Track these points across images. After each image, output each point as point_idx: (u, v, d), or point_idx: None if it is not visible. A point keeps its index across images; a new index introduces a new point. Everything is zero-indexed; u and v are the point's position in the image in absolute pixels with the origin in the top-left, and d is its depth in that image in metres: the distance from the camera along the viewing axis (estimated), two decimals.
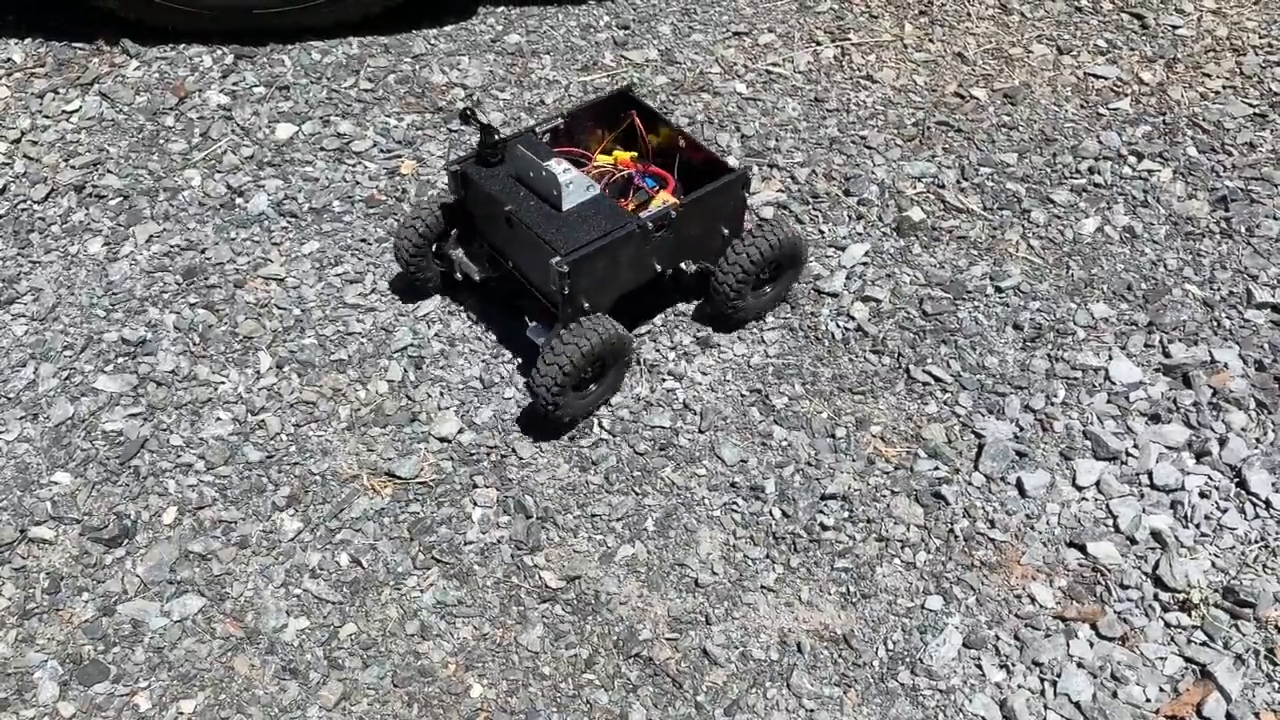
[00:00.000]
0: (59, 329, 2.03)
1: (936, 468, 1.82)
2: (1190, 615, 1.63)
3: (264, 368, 1.96)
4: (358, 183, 2.29)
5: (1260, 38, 2.58)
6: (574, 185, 1.80)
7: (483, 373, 1.95)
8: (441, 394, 1.92)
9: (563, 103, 2.47)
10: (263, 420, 1.88)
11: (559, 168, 1.80)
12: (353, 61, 2.57)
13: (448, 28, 2.66)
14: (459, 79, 2.52)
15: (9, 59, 2.58)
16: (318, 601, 1.67)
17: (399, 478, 1.81)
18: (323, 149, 2.36)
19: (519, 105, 2.46)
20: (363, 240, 2.17)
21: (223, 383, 1.94)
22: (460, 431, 1.87)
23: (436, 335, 2.01)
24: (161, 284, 2.11)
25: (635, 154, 2.01)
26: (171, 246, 2.17)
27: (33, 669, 1.59)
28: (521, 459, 1.83)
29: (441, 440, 1.86)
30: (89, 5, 2.54)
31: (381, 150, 2.36)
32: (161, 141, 2.39)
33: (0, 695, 1.56)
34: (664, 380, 1.94)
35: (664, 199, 1.94)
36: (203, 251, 2.16)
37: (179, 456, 1.84)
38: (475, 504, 1.78)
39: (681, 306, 2.05)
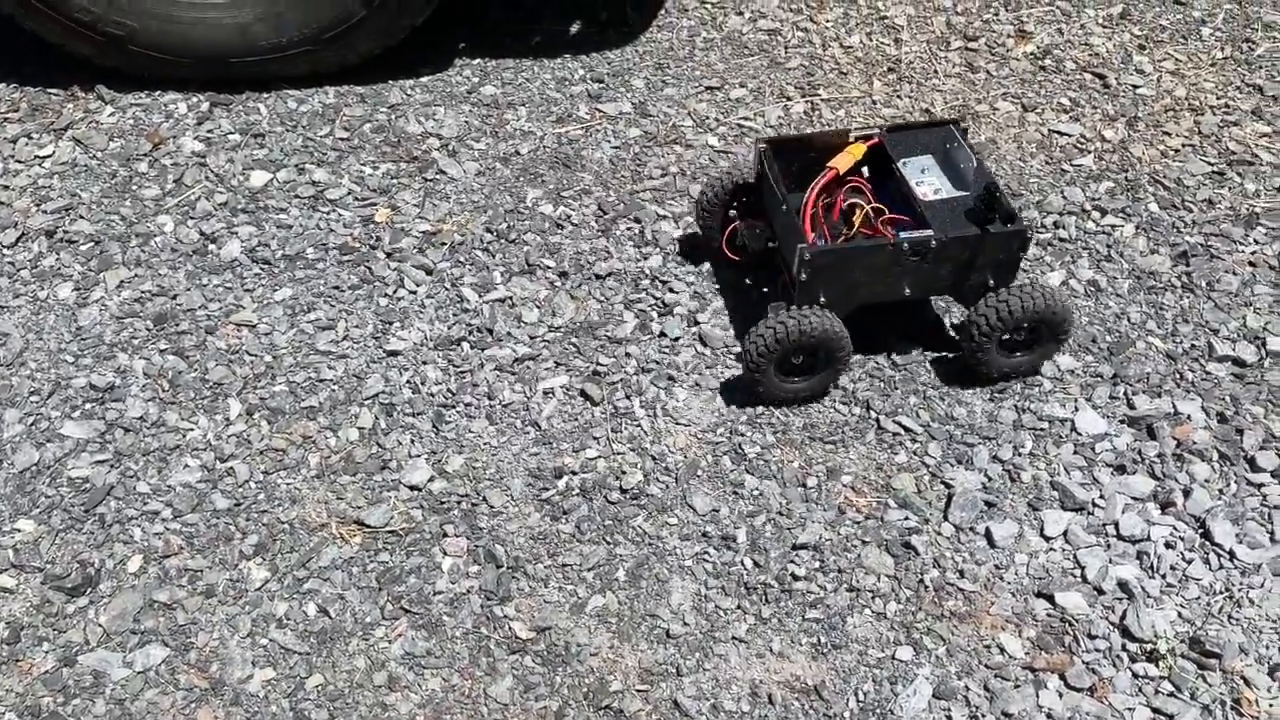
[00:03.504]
0: (26, 374, 2.01)
1: (907, 517, 1.83)
2: (1157, 666, 1.64)
3: (234, 414, 1.95)
4: (332, 230, 2.30)
5: (1217, 98, 2.66)
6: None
7: (442, 422, 1.95)
8: (413, 441, 1.91)
9: (538, 152, 2.50)
10: (231, 467, 1.87)
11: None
12: (329, 110, 2.59)
13: (424, 78, 2.69)
14: (434, 129, 2.55)
15: None
16: (284, 652, 1.65)
17: (368, 526, 1.80)
18: (297, 196, 2.37)
19: (494, 155, 2.49)
20: (335, 287, 2.18)
21: (192, 429, 1.93)
22: (431, 480, 1.86)
23: (409, 382, 2.00)
24: (131, 330, 2.09)
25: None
26: (142, 292, 2.16)
27: None
28: (492, 507, 1.83)
29: (412, 488, 1.85)
30: (65, 52, 2.55)
31: (356, 198, 2.37)
32: (134, 187, 2.39)
33: None
34: (637, 427, 1.95)
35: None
36: (174, 297, 2.15)
37: (145, 504, 1.82)
38: (445, 553, 1.77)
39: (652, 354, 2.06)
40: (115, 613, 1.68)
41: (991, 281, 1.93)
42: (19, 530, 1.78)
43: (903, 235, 1.88)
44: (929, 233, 1.88)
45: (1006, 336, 1.92)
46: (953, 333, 2.03)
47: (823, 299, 1.89)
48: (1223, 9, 2.93)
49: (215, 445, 1.90)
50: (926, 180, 2.02)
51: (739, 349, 2.07)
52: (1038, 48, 2.81)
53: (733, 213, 2.15)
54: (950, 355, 2.06)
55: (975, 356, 1.95)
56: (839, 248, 1.89)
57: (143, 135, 2.51)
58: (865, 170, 2.03)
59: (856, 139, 2.05)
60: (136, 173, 2.43)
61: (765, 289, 2.16)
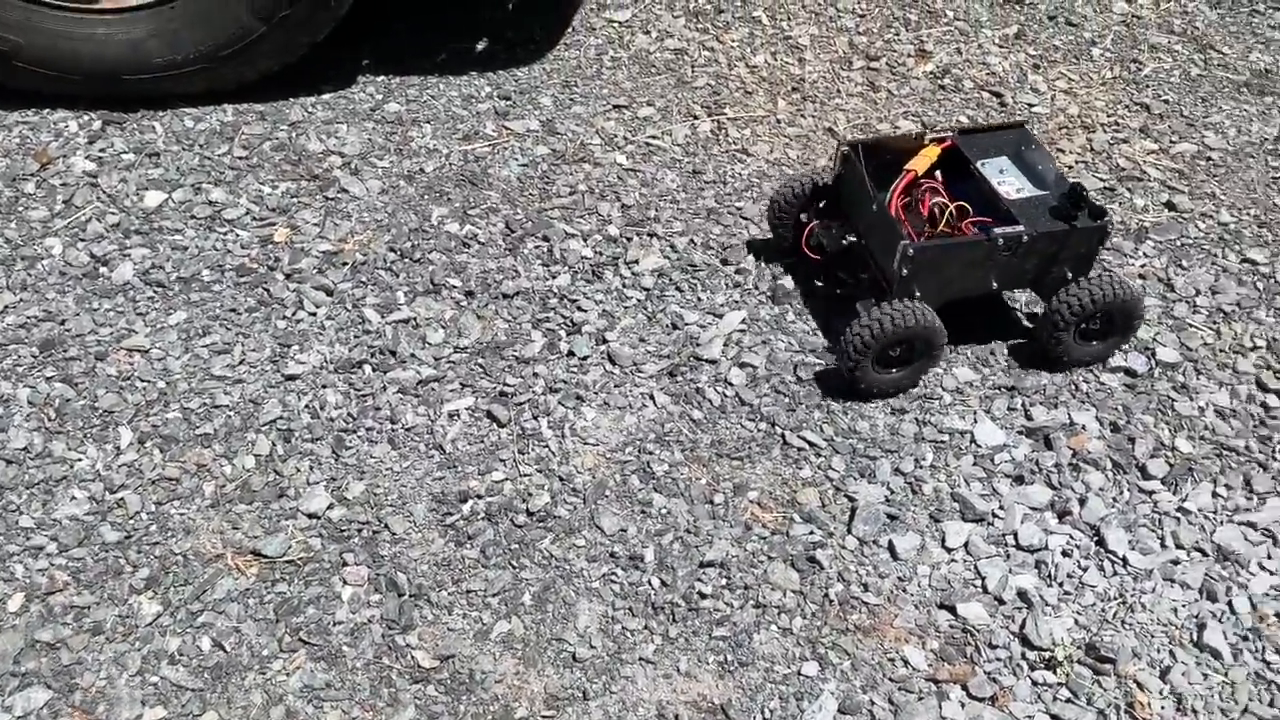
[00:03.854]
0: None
1: (812, 532, 1.84)
2: (1055, 673, 1.67)
3: (124, 443, 1.88)
4: (229, 251, 2.24)
5: (1108, 116, 2.74)
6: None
7: (342, 448, 1.91)
8: (311, 468, 1.87)
9: (443, 170, 2.47)
10: (122, 499, 1.80)
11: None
12: (227, 128, 2.53)
13: (326, 95, 2.65)
14: (336, 146, 2.50)
15: None
16: (176, 689, 1.59)
17: (265, 556, 1.75)
18: (193, 217, 2.31)
19: (398, 173, 2.46)
20: (232, 310, 2.12)
21: (80, 459, 1.86)
22: (330, 507, 1.82)
23: (307, 407, 1.96)
24: (16, 357, 2.01)
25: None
26: (28, 318, 2.08)
27: None
28: (394, 534, 1.79)
29: (311, 516, 1.80)
30: None
31: (254, 218, 2.32)
32: (21, 209, 2.30)
33: None
34: (545, 448, 1.93)
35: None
36: (62, 323, 2.07)
37: (28, 539, 1.74)
38: (345, 582, 1.73)
39: (560, 374, 2.04)
40: None
41: (1069, 274, 2.03)
42: None
43: (996, 231, 1.97)
44: (1020, 228, 1.98)
45: (1083, 325, 2.03)
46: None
47: (918, 293, 1.98)
48: (1112, 30, 3.03)
49: (105, 476, 1.84)
50: (1007, 180, 2.12)
51: (649, 367, 2.07)
52: (937, 67, 2.88)
53: (803, 216, 2.23)
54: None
55: (1054, 346, 2.05)
56: (939, 244, 1.98)
57: (30, 154, 2.42)
58: (938, 173, 2.12)
59: (931, 141, 2.14)
60: (23, 193, 2.34)
61: (839, 290, 2.23)
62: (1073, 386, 2.09)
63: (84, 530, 1.76)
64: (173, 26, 2.44)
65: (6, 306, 2.10)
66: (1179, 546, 1.84)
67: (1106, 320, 2.04)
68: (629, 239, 2.35)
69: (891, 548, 1.82)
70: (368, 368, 2.04)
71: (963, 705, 1.63)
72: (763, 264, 2.30)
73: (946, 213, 2.02)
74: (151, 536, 1.76)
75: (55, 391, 1.96)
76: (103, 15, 2.42)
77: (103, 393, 1.96)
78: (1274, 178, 2.59)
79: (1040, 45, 2.97)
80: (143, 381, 1.98)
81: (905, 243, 1.93)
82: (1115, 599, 1.76)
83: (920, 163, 2.09)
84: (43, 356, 2.02)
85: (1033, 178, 2.12)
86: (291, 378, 2.01)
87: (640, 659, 1.66)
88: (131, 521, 1.78)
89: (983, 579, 1.79)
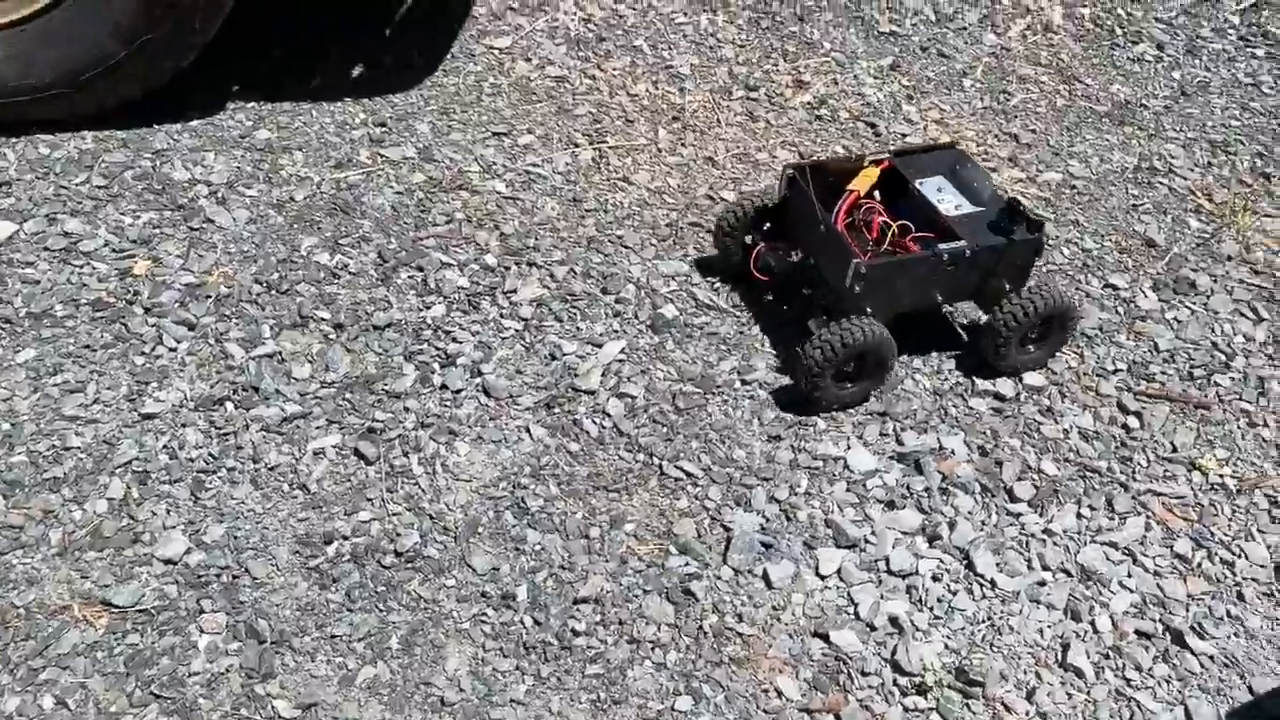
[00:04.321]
0: None
1: (687, 563, 1.83)
2: (926, 698, 1.68)
3: None
4: (84, 284, 2.14)
5: (978, 145, 2.82)
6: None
7: (201, 489, 1.83)
8: (168, 511, 1.79)
9: (314, 199, 2.41)
10: None
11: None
12: (85, 156, 2.43)
13: (193, 122, 2.56)
14: (203, 175, 2.42)
15: None
16: None
17: (116, 606, 1.66)
18: (46, 249, 2.20)
19: (267, 202, 2.39)
20: (86, 346, 2.03)
21: None
22: (188, 552, 1.74)
23: (165, 447, 1.88)
24: None
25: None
26: None
27: None
28: (255, 579, 1.72)
29: (166, 563, 1.72)
30: None
31: (113, 250, 2.22)
32: None
33: None
34: (415, 485, 1.88)
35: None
36: None
37: None
38: (202, 631, 1.65)
39: (433, 408, 2.00)
40: None
41: (1008, 285, 2.13)
42: None
43: (941, 247, 2.07)
44: (963, 243, 2.07)
45: (1025, 334, 2.13)
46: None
47: (869, 309, 2.05)
48: (982, 62, 3.12)
49: None
50: (945, 198, 2.21)
51: (526, 399, 2.04)
52: (814, 97, 2.93)
53: (749, 238, 2.28)
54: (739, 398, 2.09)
55: (998, 355, 2.15)
56: (889, 261, 2.09)
57: None
58: (877, 194, 2.22)
59: (870, 163, 2.23)
60: None
61: (785, 306, 2.30)
62: (942, 411, 2.13)
63: None
64: (27, 49, 2.33)
65: None
66: (1045, 568, 1.88)
67: (1045, 327, 2.15)
68: (507, 268, 2.32)
69: (766, 576, 1.82)
70: (230, 405, 1.96)
71: None
72: (643, 293, 2.30)
73: (890, 231, 2.12)
74: None
75: None
76: None
77: None
78: (1134, 205, 2.69)
79: (914, 76, 3.04)
80: None
81: (857, 261, 2.01)
82: (984, 622, 1.79)
83: (862, 183, 2.19)
84: None
85: (969, 195, 2.22)
86: (149, 416, 1.92)
87: (511, 700, 1.63)
88: None
89: (855, 605, 1.80)
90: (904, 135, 2.82)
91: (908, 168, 2.25)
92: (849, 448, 2.03)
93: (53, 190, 2.34)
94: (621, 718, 1.62)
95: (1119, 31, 3.28)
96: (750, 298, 2.32)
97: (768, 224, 2.27)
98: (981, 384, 2.17)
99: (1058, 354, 2.23)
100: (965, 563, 1.87)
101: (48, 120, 2.46)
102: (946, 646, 1.75)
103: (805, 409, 2.08)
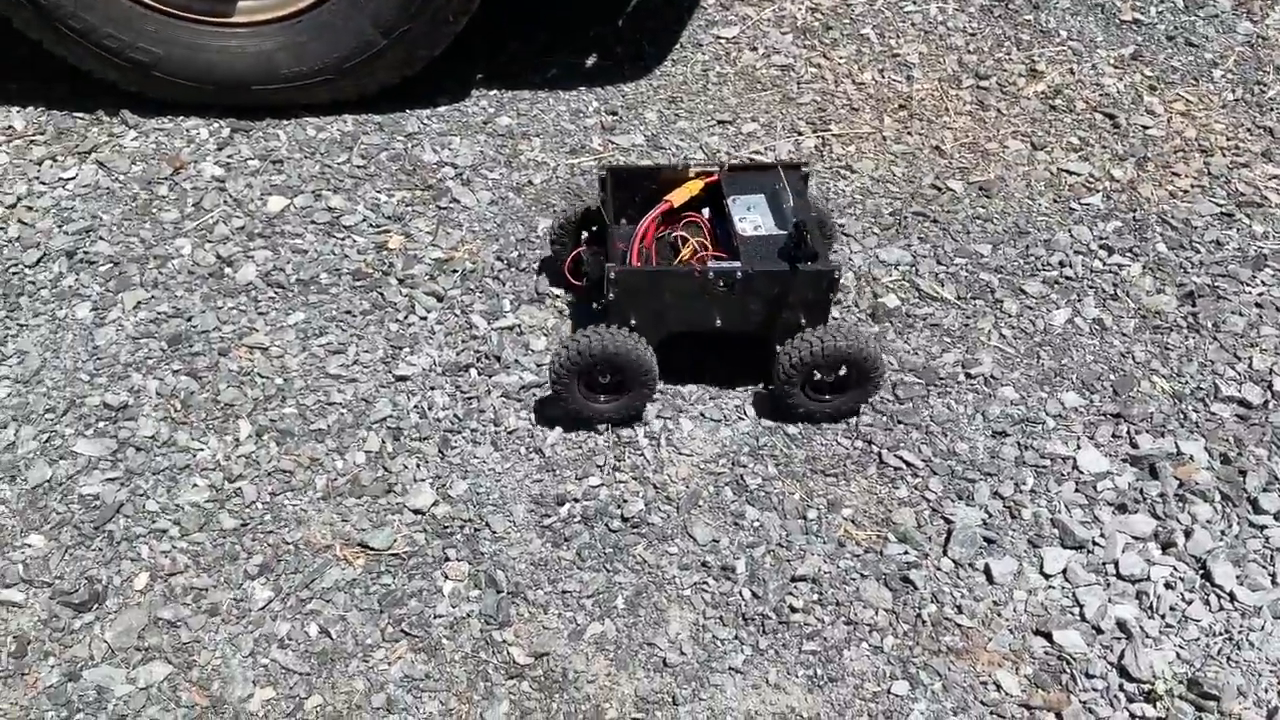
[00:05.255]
0: (42, 392, 2.04)
1: (906, 552, 1.83)
2: (1155, 706, 1.63)
3: (243, 435, 1.98)
4: (345, 256, 2.33)
5: (1227, 140, 2.67)
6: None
7: (447, 448, 1.97)
8: (418, 466, 1.94)
9: (550, 183, 2.53)
10: (239, 488, 1.90)
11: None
12: (346, 138, 2.64)
13: (441, 108, 2.74)
14: (449, 158, 2.59)
15: (9, 126, 2.64)
16: (285, 672, 1.67)
17: (372, 549, 1.82)
18: (313, 222, 2.41)
19: (507, 185, 2.53)
20: (348, 312, 2.21)
21: (202, 449, 1.96)
22: (435, 504, 1.88)
23: (416, 407, 2.03)
24: (146, 350, 2.13)
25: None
26: (159, 313, 2.20)
27: None
28: (494, 533, 1.84)
29: (416, 512, 1.87)
30: (92, 77, 2.61)
31: (370, 225, 2.41)
32: (154, 210, 2.44)
33: None
34: (640, 456, 1.96)
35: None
36: (189, 319, 2.19)
37: (154, 522, 1.85)
38: (446, 577, 1.79)
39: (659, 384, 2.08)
40: (120, 629, 1.71)
41: (803, 321, 1.95)
42: (29, 545, 1.81)
43: (710, 265, 1.94)
44: (736, 265, 1.92)
45: (817, 376, 1.94)
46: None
47: (633, 321, 1.94)
48: (1235, 52, 2.95)
49: (224, 465, 1.93)
50: (750, 217, 2.04)
51: (745, 381, 2.09)
52: (1049, 87, 2.84)
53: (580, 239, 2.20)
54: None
55: (783, 395, 1.97)
56: (645, 270, 1.96)
57: (164, 159, 2.56)
58: (707, 209, 2.10)
59: (696, 175, 2.11)
60: (157, 196, 2.48)
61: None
62: (1181, 415, 2.04)
63: (204, 516, 1.86)
64: (300, 40, 2.55)
65: (139, 303, 2.22)
66: None
67: (843, 374, 1.95)
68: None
69: (988, 571, 1.80)
70: (473, 371, 2.10)
71: None
72: (863, 282, 2.30)
73: (690, 246, 2.00)
74: (266, 525, 1.85)
75: (181, 384, 2.07)
76: (236, 29, 2.55)
77: (224, 387, 2.06)
78: None
79: (1158, 66, 2.90)
80: (262, 377, 2.08)
81: (610, 265, 1.91)
82: (1221, 634, 1.72)
83: (681, 195, 2.07)
84: (170, 351, 2.13)
85: (779, 218, 2.04)
86: (402, 378, 2.08)
87: (730, 668, 1.68)
88: (248, 510, 1.87)
89: (1081, 607, 1.76)
90: (1145, 128, 2.70)
91: (732, 183, 2.08)
92: (1079, 448, 1.98)
93: (318, 169, 2.55)
94: (837, 695, 1.65)
95: None
96: (972, 290, 2.29)
97: (594, 227, 2.17)
98: (1225, 389, 2.07)
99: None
100: (1201, 572, 1.79)
101: (313, 104, 2.68)
102: (1179, 656, 1.69)
103: (759, 430, 2.00)
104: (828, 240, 2.20)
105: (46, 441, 1.96)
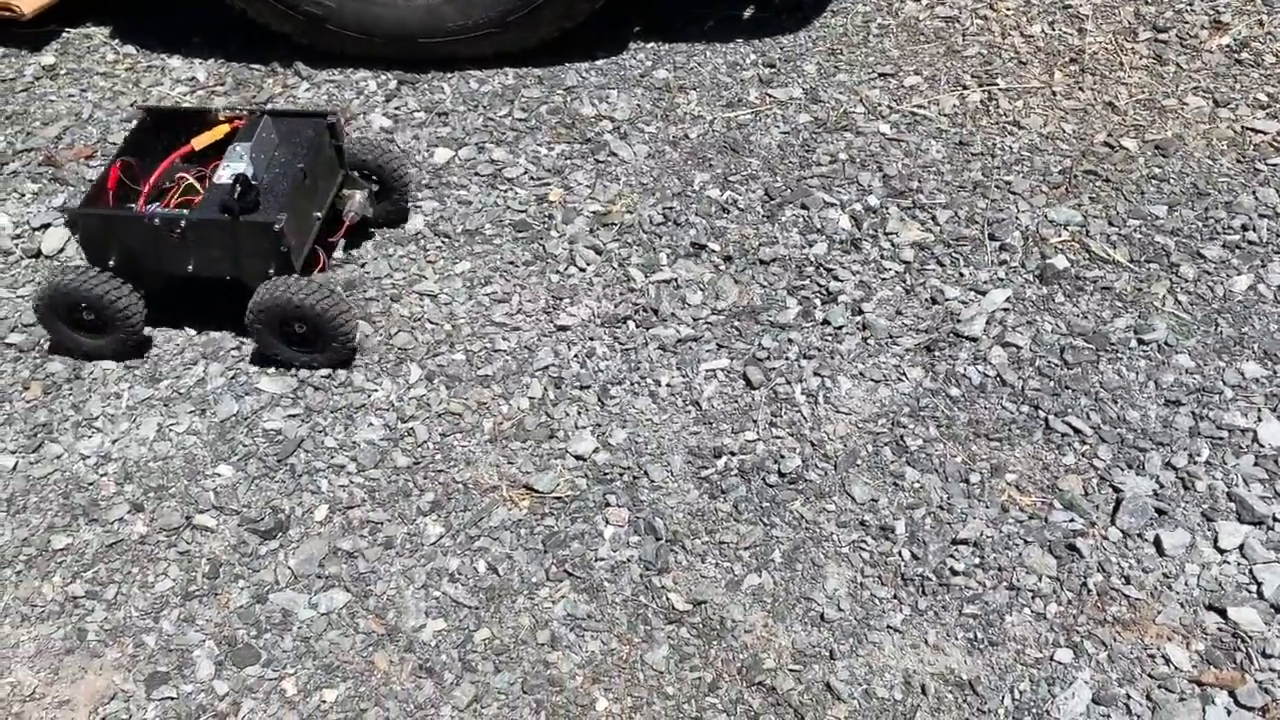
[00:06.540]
0: (229, 331, 2.16)
1: (1072, 520, 1.80)
2: None
3: (414, 379, 2.06)
4: (509, 207, 2.39)
5: None
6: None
7: (607, 397, 2.01)
8: (579, 413, 1.99)
9: (707, 136, 2.53)
10: (411, 428, 1.98)
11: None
12: (508, 91, 2.68)
13: (599, 61, 2.76)
14: (608, 111, 2.61)
15: (193, 77, 2.78)
16: (455, 605, 1.75)
17: (536, 491, 1.88)
18: (477, 174, 2.47)
19: (664, 139, 2.54)
20: (511, 262, 2.27)
21: (376, 390, 2.05)
22: (595, 451, 1.93)
23: (576, 356, 2.08)
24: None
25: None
26: (335, 259, 2.30)
27: (192, 647, 1.70)
28: (653, 482, 1.88)
29: (578, 458, 1.92)
30: (268, 30, 2.72)
31: (531, 177, 2.46)
32: None
33: (164, 669, 1.67)
34: (797, 413, 1.97)
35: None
36: (362, 265, 2.28)
37: (332, 457, 1.95)
38: (607, 522, 1.83)
39: (814, 341, 2.07)
40: (303, 557, 1.81)
41: (271, 271, 1.99)
42: (219, 475, 1.94)
43: (153, 210, 2.00)
44: (180, 212, 1.98)
45: (286, 329, 1.99)
46: None
47: (112, 262, 2.01)
48: None
49: (397, 406, 2.02)
50: (237, 166, 2.03)
51: (905, 340, 2.07)
52: (1234, 40, 2.68)
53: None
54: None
55: (257, 342, 2.05)
56: (93, 212, 2.00)
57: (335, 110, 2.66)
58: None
59: (225, 119, 2.14)
60: None
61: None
62: None
63: (379, 454, 1.95)
64: None
65: None
66: None
67: (304, 328, 1.98)
68: (889, 210, 2.34)
69: (1158, 543, 1.75)
70: (631, 324, 2.13)
71: (1229, 712, 1.56)
72: (1030, 242, 2.24)
73: (180, 188, 2.04)
74: (437, 465, 1.93)
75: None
76: None
77: (396, 331, 2.15)
78: None
79: None
80: (431, 324, 2.16)
81: (67, 205, 1.96)
82: None
83: (205, 139, 2.10)
84: (346, 295, 2.22)
85: (263, 167, 2.06)
86: (563, 328, 2.13)
87: (888, 626, 1.69)
88: (420, 449, 1.95)
89: (1258, 584, 1.70)
90: None
91: (252, 129, 2.07)
92: (1260, 420, 1.90)
93: (481, 121, 2.61)
94: (998, 659, 1.64)
95: None
96: (1146, 253, 2.20)
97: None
98: None
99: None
100: None
101: (476, 57, 2.74)
102: None
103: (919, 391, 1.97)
104: (370, 191, 2.22)
105: (233, 378, 2.08)
